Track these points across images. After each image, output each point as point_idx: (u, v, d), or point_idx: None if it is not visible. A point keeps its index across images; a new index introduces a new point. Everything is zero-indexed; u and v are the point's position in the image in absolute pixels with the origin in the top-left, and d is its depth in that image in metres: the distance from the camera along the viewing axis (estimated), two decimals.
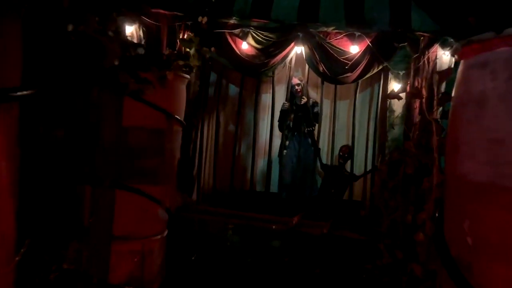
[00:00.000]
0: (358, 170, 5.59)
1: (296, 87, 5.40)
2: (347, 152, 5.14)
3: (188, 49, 2.84)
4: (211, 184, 5.81)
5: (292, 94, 5.44)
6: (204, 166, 5.88)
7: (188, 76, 2.72)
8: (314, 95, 5.76)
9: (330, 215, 5.10)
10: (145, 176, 2.46)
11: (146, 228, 2.57)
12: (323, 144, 5.75)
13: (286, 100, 5.55)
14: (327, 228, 4.92)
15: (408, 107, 5.02)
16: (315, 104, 5.42)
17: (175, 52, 3.70)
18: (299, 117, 5.43)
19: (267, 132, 5.84)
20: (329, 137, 6.00)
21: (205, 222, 5.15)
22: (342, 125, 5.81)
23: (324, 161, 5.48)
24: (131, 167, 2.40)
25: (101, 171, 2.06)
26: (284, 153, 5.50)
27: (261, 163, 6.04)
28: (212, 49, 4.67)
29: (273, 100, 5.64)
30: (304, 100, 5.35)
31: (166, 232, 2.80)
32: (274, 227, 5.15)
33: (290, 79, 5.50)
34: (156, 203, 2.52)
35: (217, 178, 5.89)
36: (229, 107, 6.03)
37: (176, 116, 2.62)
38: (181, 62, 2.54)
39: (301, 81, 5.43)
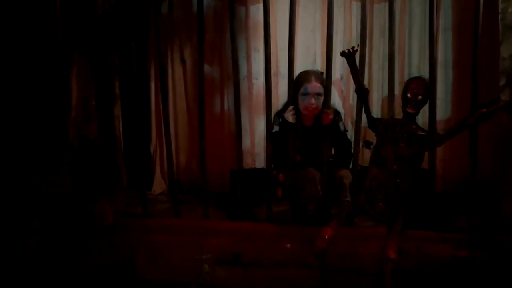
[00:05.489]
0: (425, 123, 3.03)
1: (312, 101, 2.72)
2: (422, 91, 2.58)
3: None
4: (172, 172, 3.35)
5: (297, 106, 2.80)
6: (158, 143, 3.42)
7: None
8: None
9: (393, 211, 2.67)
10: None
11: None
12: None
13: (287, 107, 2.86)
14: (394, 247, 2.48)
15: None
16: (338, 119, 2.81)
17: None
18: (310, 143, 2.88)
19: (263, 71, 3.25)
20: (370, 69, 3.42)
21: (158, 249, 2.77)
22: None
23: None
24: None
25: None
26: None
27: (259, 123, 3.51)
28: None
29: (268, 15, 2.93)
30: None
31: None
32: (289, 246, 2.75)
33: None
34: None
35: (183, 159, 3.44)
36: (196, 34, 3.44)
37: None
38: None
39: (321, 89, 2.73)
